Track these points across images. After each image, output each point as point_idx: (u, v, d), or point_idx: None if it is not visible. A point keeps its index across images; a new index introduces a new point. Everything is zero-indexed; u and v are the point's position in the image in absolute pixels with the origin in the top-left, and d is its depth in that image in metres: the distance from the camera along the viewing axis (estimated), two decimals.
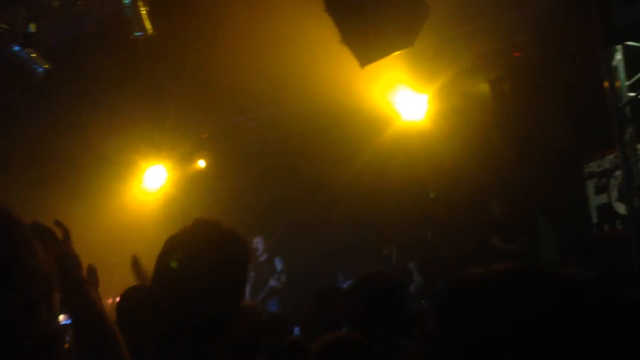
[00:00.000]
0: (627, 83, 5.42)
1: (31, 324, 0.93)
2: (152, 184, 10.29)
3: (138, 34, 6.32)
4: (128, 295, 2.71)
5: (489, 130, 7.77)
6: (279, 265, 8.71)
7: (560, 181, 7.06)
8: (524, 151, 7.51)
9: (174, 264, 1.37)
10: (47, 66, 6.90)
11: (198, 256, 1.38)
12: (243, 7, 6.72)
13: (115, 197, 9.90)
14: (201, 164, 10.34)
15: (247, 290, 8.15)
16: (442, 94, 8.17)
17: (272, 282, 8.37)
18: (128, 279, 2.65)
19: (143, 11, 6.26)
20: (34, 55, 6.72)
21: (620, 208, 5.70)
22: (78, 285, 1.51)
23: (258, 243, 8.80)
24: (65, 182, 9.14)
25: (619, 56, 5.46)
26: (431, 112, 8.32)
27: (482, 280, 1.18)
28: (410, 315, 3.54)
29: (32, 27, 6.42)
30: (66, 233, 1.58)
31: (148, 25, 6.28)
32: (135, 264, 2.74)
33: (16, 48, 6.56)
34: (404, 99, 8.19)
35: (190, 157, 10.37)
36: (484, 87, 8.03)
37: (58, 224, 1.58)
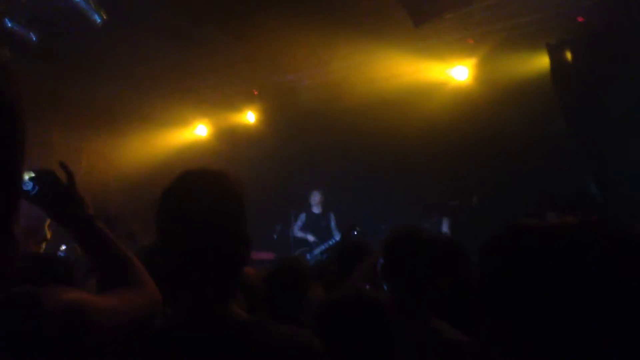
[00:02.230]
0: None
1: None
2: (201, 133, 10.94)
3: None
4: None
5: (544, 99, 7.53)
6: (332, 221, 8.88)
7: (618, 155, 6.82)
8: (581, 121, 7.27)
9: (176, 212, 1.46)
10: (105, 17, 7.02)
11: (194, 197, 1.45)
12: None
13: (163, 144, 10.38)
14: (250, 118, 10.45)
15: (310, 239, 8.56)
16: (494, 59, 7.98)
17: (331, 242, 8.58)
18: None
19: None
20: (92, 3, 6.85)
21: None
22: (88, 222, 1.59)
23: (315, 196, 9.05)
24: (113, 127, 9.56)
25: None
26: (482, 76, 8.17)
27: (550, 231, 1.11)
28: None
29: None
30: (70, 175, 1.64)
31: None
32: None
33: None
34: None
35: (239, 111, 10.52)
36: (542, 54, 7.73)
37: (63, 166, 1.65)
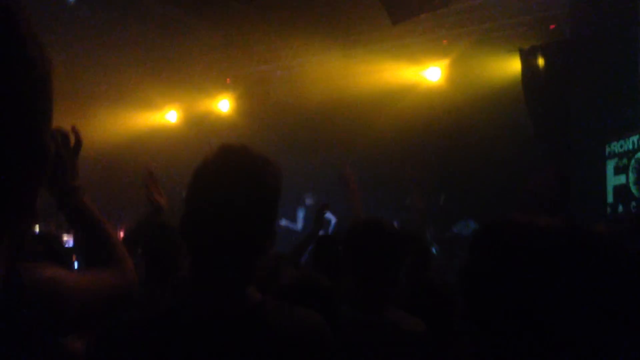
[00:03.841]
0: None
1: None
2: (170, 119, 10.92)
3: None
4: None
5: (516, 102, 7.67)
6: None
7: (581, 158, 7.00)
8: (548, 125, 7.43)
9: (206, 192, 1.45)
10: None
11: (232, 180, 1.43)
12: None
13: (132, 126, 10.31)
14: (222, 107, 10.40)
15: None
16: (467, 60, 8.13)
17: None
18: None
19: None
20: None
21: (638, 191, 5.67)
22: (73, 191, 1.57)
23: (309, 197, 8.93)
24: (81, 107, 9.43)
25: None
26: (455, 78, 8.32)
27: (537, 232, 1.11)
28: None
29: None
30: (78, 142, 1.63)
31: None
32: (149, 177, 2.79)
33: None
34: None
35: (211, 99, 10.45)
36: (513, 58, 7.88)
37: (75, 131, 1.63)
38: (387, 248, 2.47)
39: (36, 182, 0.93)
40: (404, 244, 2.62)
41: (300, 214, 8.92)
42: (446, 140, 8.23)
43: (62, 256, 2.58)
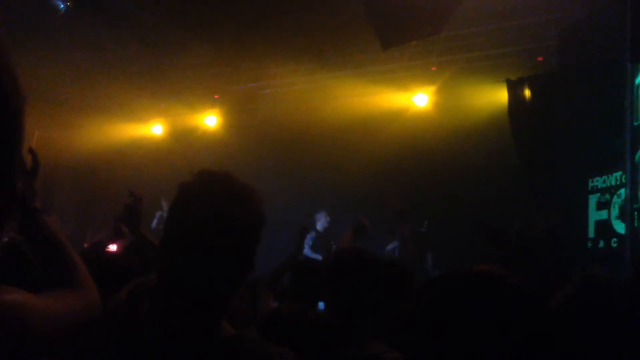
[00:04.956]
0: None
1: None
2: (156, 131, 10.96)
3: None
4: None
5: (502, 131, 7.72)
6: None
7: (564, 192, 7.05)
8: (533, 157, 7.49)
9: (186, 218, 1.38)
10: (69, 4, 6.86)
11: (210, 209, 1.36)
12: None
13: (117, 138, 10.32)
14: (209, 122, 10.38)
15: None
16: (455, 87, 8.21)
17: None
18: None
19: None
20: None
21: (619, 226, 5.69)
22: (33, 213, 1.53)
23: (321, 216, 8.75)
24: (67, 117, 9.38)
25: None
26: (442, 104, 8.38)
27: (451, 279, 1.37)
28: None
29: None
30: (35, 164, 1.58)
31: None
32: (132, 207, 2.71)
33: None
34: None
35: (198, 114, 10.44)
36: (500, 88, 7.96)
37: (32, 152, 1.59)
38: (366, 275, 2.42)
39: (3, 215, 0.92)
40: (384, 273, 2.58)
41: (309, 238, 8.67)
42: (432, 165, 8.25)
43: (28, 265, 2.48)
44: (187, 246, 1.36)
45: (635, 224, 5.05)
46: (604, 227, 5.98)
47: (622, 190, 5.62)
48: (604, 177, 6.09)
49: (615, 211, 5.84)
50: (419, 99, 8.71)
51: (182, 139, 10.53)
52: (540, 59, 7.89)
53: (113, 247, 3.95)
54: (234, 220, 1.36)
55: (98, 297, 1.51)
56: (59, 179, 9.97)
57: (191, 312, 1.37)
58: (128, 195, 2.77)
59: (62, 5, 6.96)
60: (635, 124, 5.23)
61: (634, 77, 5.34)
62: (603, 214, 6.03)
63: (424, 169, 8.28)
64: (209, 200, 1.37)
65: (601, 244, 6.02)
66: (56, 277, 1.49)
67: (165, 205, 8.42)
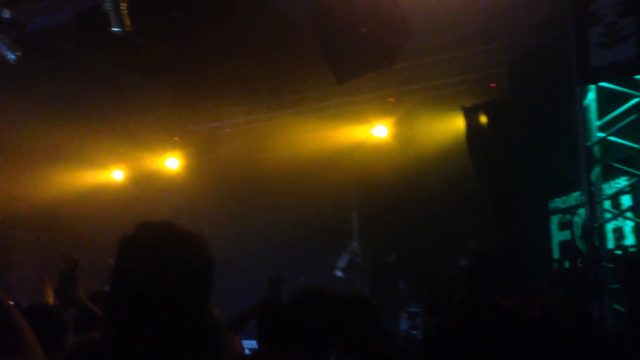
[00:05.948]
0: (598, 123, 5.49)
1: None
2: (117, 177, 10.84)
3: (116, 29, 6.21)
4: None
5: (461, 158, 7.82)
6: None
7: (525, 214, 7.13)
8: (492, 180, 7.58)
9: (128, 273, 1.30)
10: (19, 54, 6.74)
11: (153, 263, 1.28)
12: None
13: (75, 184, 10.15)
14: (171, 165, 10.26)
15: None
16: (413, 117, 8.33)
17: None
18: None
19: (123, 7, 6.15)
20: (7, 41, 6.58)
21: (583, 245, 5.76)
22: None
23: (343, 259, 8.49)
24: (23, 163, 9.17)
25: (592, 96, 5.54)
26: (401, 135, 8.48)
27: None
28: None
29: (7, 13, 6.30)
30: None
31: (127, 21, 6.18)
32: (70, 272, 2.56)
33: None
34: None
35: (158, 157, 10.32)
36: (456, 115, 8.09)
37: None
38: (326, 312, 2.35)
39: None
40: (345, 309, 2.51)
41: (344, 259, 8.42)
42: (394, 196, 8.26)
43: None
44: (132, 302, 1.29)
45: (596, 243, 5.11)
46: (569, 247, 6.04)
47: (582, 210, 5.69)
48: (563, 197, 6.18)
49: (578, 231, 5.91)
50: (378, 131, 8.78)
51: (143, 184, 10.36)
52: (493, 85, 8.06)
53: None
54: (178, 269, 1.29)
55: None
56: (18, 227, 9.70)
57: None
58: (61, 260, 2.59)
59: (12, 56, 6.84)
60: (588, 144, 5.33)
61: (582, 99, 5.47)
62: (566, 234, 6.10)
63: (386, 200, 8.30)
64: (149, 253, 1.29)
65: (566, 264, 6.07)
66: (1, 343, 1.45)
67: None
